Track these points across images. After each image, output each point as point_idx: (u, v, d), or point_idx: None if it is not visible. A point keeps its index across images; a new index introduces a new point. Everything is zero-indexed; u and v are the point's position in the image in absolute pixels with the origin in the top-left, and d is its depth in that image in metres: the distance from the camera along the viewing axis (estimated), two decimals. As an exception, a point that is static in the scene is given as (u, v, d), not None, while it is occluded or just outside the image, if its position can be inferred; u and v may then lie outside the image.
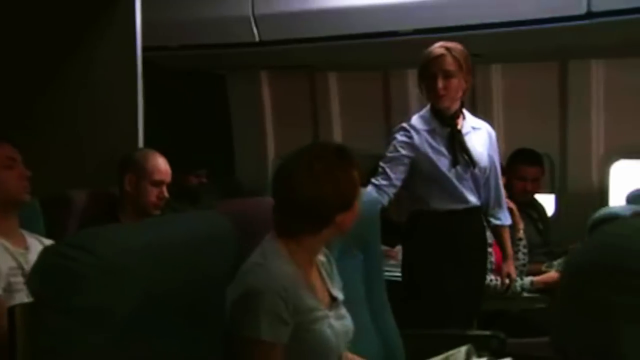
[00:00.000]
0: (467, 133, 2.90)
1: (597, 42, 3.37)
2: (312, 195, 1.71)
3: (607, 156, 3.83)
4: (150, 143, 3.37)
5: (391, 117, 4.24)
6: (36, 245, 2.27)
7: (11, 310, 1.37)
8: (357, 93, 4.44)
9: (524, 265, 3.43)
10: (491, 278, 3.20)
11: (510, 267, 3.14)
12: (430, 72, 2.81)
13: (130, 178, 2.81)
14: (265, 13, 3.76)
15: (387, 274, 3.18)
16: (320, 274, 1.87)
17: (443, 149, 2.85)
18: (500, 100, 4.02)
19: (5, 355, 1.36)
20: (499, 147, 3.13)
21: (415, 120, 2.92)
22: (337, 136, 4.48)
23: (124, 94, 3.14)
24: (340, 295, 1.88)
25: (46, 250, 1.30)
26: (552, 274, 3.39)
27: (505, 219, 3.09)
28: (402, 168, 2.85)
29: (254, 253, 1.75)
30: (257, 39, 3.80)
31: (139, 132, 3.12)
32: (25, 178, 2.33)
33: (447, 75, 2.78)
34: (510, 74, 3.99)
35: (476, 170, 2.88)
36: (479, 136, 2.94)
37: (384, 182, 2.83)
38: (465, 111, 2.95)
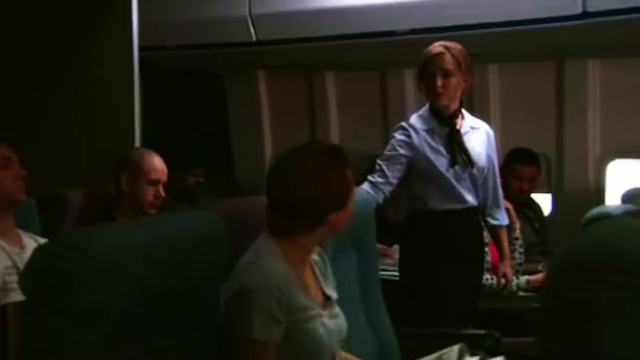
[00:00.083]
0: (466, 133, 2.90)
1: (593, 42, 3.38)
2: (305, 195, 1.71)
3: (604, 156, 3.84)
4: (148, 143, 3.38)
5: (389, 117, 4.25)
6: (32, 244, 2.28)
7: (4, 309, 1.38)
8: (355, 93, 4.45)
9: (520, 264, 3.43)
10: (487, 277, 3.20)
11: (507, 268, 3.14)
12: (430, 71, 2.81)
13: (127, 177, 2.82)
14: (263, 13, 3.77)
15: (384, 273, 3.20)
16: (314, 273, 1.87)
17: (442, 149, 2.86)
18: (498, 100, 4.03)
19: (-2, 353, 1.36)
20: (497, 147, 3.13)
21: (414, 119, 2.92)
22: (335, 136, 4.49)
23: (120, 94, 3.15)
24: (334, 295, 1.88)
25: (39, 250, 1.30)
26: (548, 274, 3.39)
27: (503, 220, 3.09)
28: (399, 167, 2.86)
29: (248, 252, 1.76)
30: (254, 38, 3.80)
31: (135, 131, 3.13)
32: (21, 178, 2.33)
33: (446, 74, 2.79)
34: (507, 74, 3.99)
35: (475, 171, 2.88)
36: (478, 136, 2.94)
37: (380, 180, 2.84)
38: (464, 111, 2.95)
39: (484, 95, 3.98)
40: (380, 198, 2.83)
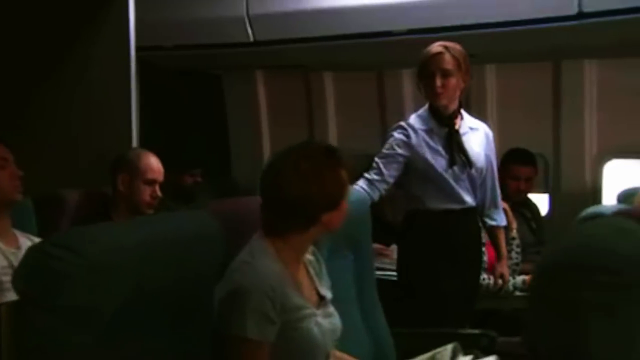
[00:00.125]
0: (464, 133, 2.91)
1: (589, 42, 3.38)
2: (298, 194, 1.72)
3: (600, 156, 3.84)
4: (146, 143, 3.38)
5: (386, 117, 4.25)
6: (28, 244, 2.28)
7: (-3, 308, 1.38)
8: (352, 93, 4.45)
9: (516, 264, 3.44)
10: (484, 277, 3.21)
11: (504, 268, 3.14)
12: (429, 70, 2.81)
13: (124, 177, 2.82)
14: (260, 13, 3.77)
15: (382, 273, 3.21)
16: (308, 272, 1.87)
17: (440, 149, 2.86)
18: (495, 101, 4.03)
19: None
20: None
21: (413, 119, 2.92)
22: (332, 136, 4.49)
23: (117, 94, 3.15)
24: (328, 294, 1.89)
25: (32, 249, 1.31)
26: (545, 273, 3.39)
27: (500, 220, 3.10)
28: (395, 165, 2.86)
29: (242, 252, 1.76)
30: (251, 39, 3.81)
31: (132, 131, 3.13)
32: (17, 178, 2.34)
33: (446, 74, 2.79)
34: (504, 74, 3.99)
35: (473, 171, 2.89)
36: (477, 137, 2.94)
37: (376, 177, 2.84)
38: (463, 111, 2.95)
39: (481, 96, 3.99)
40: (376, 195, 2.83)
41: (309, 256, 1.90)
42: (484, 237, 3.15)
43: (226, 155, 4.85)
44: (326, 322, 1.82)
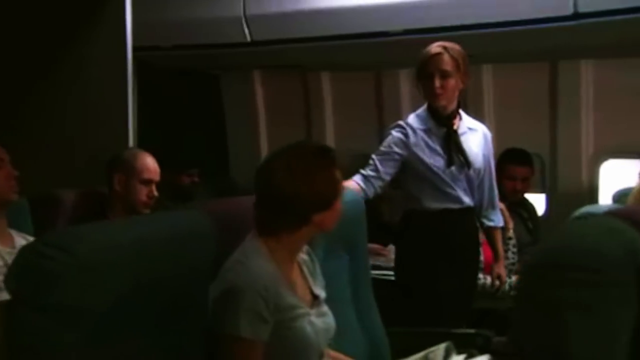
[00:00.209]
0: (463, 133, 2.91)
1: (585, 42, 3.39)
2: (289, 193, 1.72)
3: (597, 156, 3.85)
4: (144, 143, 3.39)
5: (383, 117, 4.26)
6: (23, 244, 2.28)
7: (-11, 308, 1.39)
8: (350, 93, 4.46)
9: (513, 264, 3.45)
10: (480, 277, 3.22)
11: (501, 269, 3.14)
12: (428, 71, 2.81)
13: (120, 177, 2.83)
14: (257, 13, 3.78)
15: (379, 272, 3.22)
16: (302, 272, 1.88)
17: (439, 149, 2.86)
18: (491, 101, 4.04)
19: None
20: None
21: (411, 119, 2.93)
22: (330, 136, 4.50)
23: (114, 94, 3.15)
24: (322, 294, 1.89)
25: (24, 249, 1.31)
26: (541, 273, 3.40)
27: (498, 221, 3.10)
28: (392, 164, 2.86)
29: (236, 251, 1.76)
30: (248, 39, 3.82)
31: (129, 131, 3.13)
32: (13, 177, 2.35)
33: (444, 75, 2.79)
34: (501, 75, 4.00)
35: (471, 172, 2.89)
36: (475, 137, 2.94)
37: (372, 174, 2.84)
38: (461, 112, 2.95)
39: (477, 96, 3.99)
40: (370, 191, 2.83)
41: (303, 256, 1.90)
42: (481, 237, 3.15)
43: (224, 155, 4.86)
44: (320, 321, 1.82)
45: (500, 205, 3.27)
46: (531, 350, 0.86)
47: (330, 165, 1.79)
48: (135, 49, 3.24)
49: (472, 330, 2.54)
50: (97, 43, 3.13)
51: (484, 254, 3.25)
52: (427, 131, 2.87)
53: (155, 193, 2.86)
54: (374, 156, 2.88)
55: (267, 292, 1.66)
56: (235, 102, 4.74)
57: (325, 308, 1.88)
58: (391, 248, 3.56)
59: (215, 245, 1.68)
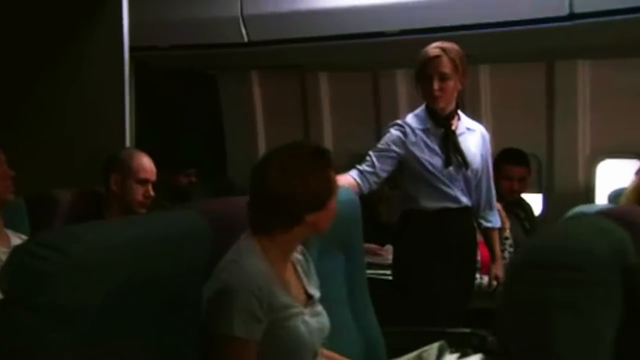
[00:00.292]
0: (461, 134, 2.91)
1: (581, 42, 3.39)
2: (282, 191, 1.73)
3: (593, 156, 3.85)
4: (141, 143, 3.40)
5: (381, 117, 4.26)
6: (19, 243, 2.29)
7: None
8: (347, 93, 4.46)
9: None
10: (477, 277, 3.21)
11: (499, 269, 3.13)
12: (427, 73, 2.81)
13: (116, 177, 2.83)
14: (254, 14, 3.79)
15: (377, 272, 3.22)
16: (296, 271, 1.88)
17: (437, 149, 2.86)
18: (488, 101, 4.04)
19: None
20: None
21: (410, 118, 2.93)
22: (328, 136, 4.50)
23: (111, 94, 3.16)
24: (316, 293, 1.90)
25: (17, 249, 1.32)
26: (537, 273, 3.39)
27: (495, 222, 3.09)
28: (389, 161, 2.86)
29: (230, 251, 1.77)
30: (245, 39, 3.82)
31: (126, 131, 3.14)
32: (9, 177, 2.36)
33: (443, 78, 2.79)
34: (498, 75, 4.00)
35: (468, 172, 2.89)
36: (473, 137, 2.94)
37: (368, 169, 2.84)
38: (460, 112, 2.95)
39: (474, 96, 3.99)
40: (365, 186, 2.83)
41: (297, 255, 1.91)
42: (478, 237, 3.15)
43: (221, 155, 4.86)
44: (314, 320, 1.83)
45: (497, 205, 3.27)
46: (517, 350, 0.86)
47: (325, 166, 1.80)
48: (132, 49, 3.25)
49: (467, 330, 2.54)
50: (94, 43, 3.14)
51: (480, 254, 3.25)
52: (425, 131, 2.88)
53: (152, 193, 2.87)
54: (371, 152, 2.88)
55: (261, 292, 1.67)
56: (232, 102, 4.74)
57: (319, 308, 1.89)
58: (388, 248, 3.56)
59: (211, 245, 1.68)
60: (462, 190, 2.90)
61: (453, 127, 2.89)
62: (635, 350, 0.86)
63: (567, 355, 0.80)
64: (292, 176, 1.73)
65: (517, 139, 3.83)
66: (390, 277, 3.11)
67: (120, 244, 1.42)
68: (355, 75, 4.37)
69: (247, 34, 3.81)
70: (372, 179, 2.84)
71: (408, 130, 2.87)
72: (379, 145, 2.89)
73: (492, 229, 3.09)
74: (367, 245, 3.35)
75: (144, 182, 2.84)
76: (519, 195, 3.82)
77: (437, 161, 2.85)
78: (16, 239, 2.37)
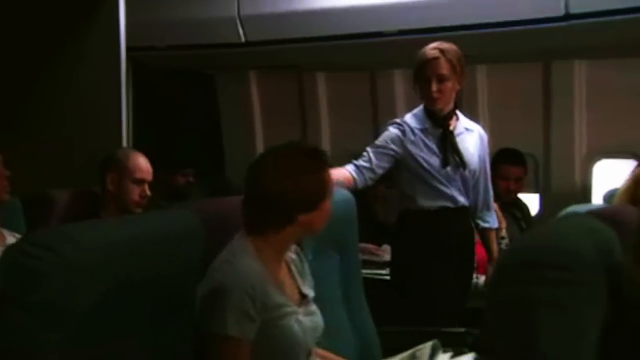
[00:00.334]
0: (459, 134, 2.91)
1: (577, 43, 3.40)
2: (274, 191, 1.74)
3: (590, 156, 3.86)
4: (139, 142, 3.40)
5: (378, 117, 4.26)
6: (14, 243, 2.30)
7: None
8: (345, 93, 4.46)
9: (506, 264, 3.45)
10: (473, 276, 3.22)
11: None
12: (425, 75, 2.81)
13: (113, 177, 2.84)
14: (251, 14, 3.79)
15: (374, 272, 3.22)
16: (290, 271, 1.89)
17: (435, 149, 2.86)
18: (485, 101, 4.04)
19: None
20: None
21: (409, 118, 2.93)
22: (325, 136, 4.51)
23: (108, 94, 3.16)
24: (310, 293, 1.90)
25: (10, 248, 1.32)
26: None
27: (493, 222, 3.10)
28: (386, 158, 2.86)
29: (224, 250, 1.77)
30: (242, 39, 3.83)
31: (122, 131, 3.14)
32: (4, 178, 2.36)
33: (441, 79, 2.79)
34: (495, 75, 4.01)
35: (466, 172, 2.89)
36: (471, 138, 2.95)
37: (364, 164, 2.84)
38: (458, 112, 2.96)
39: (471, 96, 3.99)
40: (361, 181, 2.83)
41: (291, 255, 1.91)
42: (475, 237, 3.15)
43: (219, 155, 4.86)
44: (307, 320, 1.83)
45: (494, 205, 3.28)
46: (502, 349, 0.86)
47: (319, 167, 1.80)
48: (130, 49, 3.25)
49: (462, 329, 2.54)
50: (91, 43, 3.14)
51: (477, 254, 3.25)
52: (424, 131, 2.88)
53: (148, 192, 2.87)
54: (368, 149, 2.88)
55: (254, 291, 1.67)
56: (230, 102, 4.75)
57: (313, 307, 1.89)
58: (386, 248, 3.57)
59: (205, 245, 1.68)
60: (459, 190, 2.90)
61: (451, 128, 2.89)
62: (619, 349, 0.87)
63: (551, 354, 0.81)
64: (284, 175, 1.74)
65: (513, 139, 3.84)
66: (387, 277, 3.11)
67: (114, 244, 1.42)
68: (353, 75, 4.38)
69: (245, 34, 3.82)
70: (368, 174, 2.84)
71: (407, 129, 2.87)
72: (377, 142, 2.89)
73: (489, 229, 3.09)
74: (364, 245, 3.36)
75: (140, 182, 2.85)
76: (515, 195, 3.83)
77: (435, 161, 2.85)
78: (11, 238, 2.37)
